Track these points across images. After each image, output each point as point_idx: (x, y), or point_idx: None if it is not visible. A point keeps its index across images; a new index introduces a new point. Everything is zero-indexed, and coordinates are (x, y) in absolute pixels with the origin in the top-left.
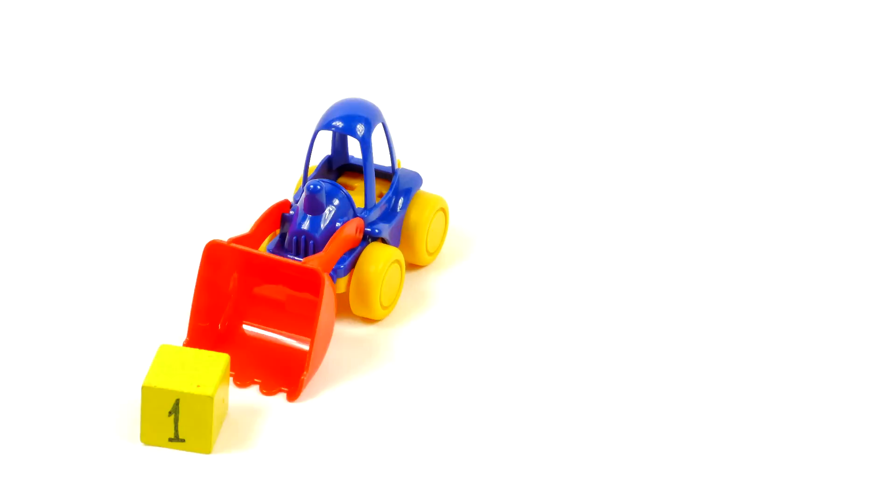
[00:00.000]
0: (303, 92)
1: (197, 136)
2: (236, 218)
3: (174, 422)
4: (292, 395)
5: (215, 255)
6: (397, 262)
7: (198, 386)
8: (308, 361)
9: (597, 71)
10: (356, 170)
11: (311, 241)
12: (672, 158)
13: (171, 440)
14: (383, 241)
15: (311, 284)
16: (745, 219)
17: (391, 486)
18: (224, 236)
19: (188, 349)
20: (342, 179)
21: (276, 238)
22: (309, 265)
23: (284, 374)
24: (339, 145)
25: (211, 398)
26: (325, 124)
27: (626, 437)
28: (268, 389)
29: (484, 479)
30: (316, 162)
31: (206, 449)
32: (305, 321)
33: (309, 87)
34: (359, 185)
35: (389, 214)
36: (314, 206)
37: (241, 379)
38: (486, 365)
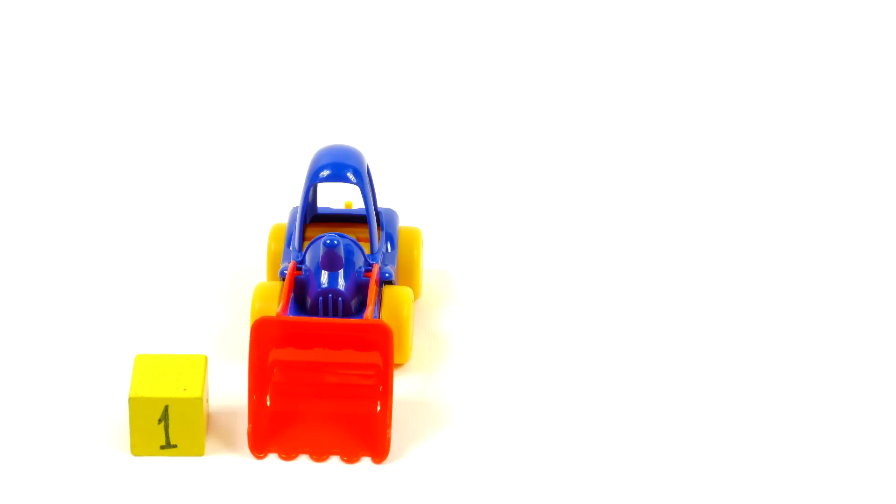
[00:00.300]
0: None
1: (186, 151)
2: (218, 233)
3: (164, 429)
4: (379, 458)
5: (265, 330)
6: (412, 300)
7: (184, 389)
8: (389, 418)
9: (557, 98)
10: (325, 219)
11: (339, 298)
12: (646, 186)
13: (162, 447)
14: (391, 283)
15: (378, 340)
16: (735, 223)
17: (385, 482)
18: (211, 253)
19: (163, 355)
20: (316, 229)
21: (291, 303)
22: (373, 321)
23: (361, 438)
24: (314, 196)
25: (200, 399)
26: (316, 175)
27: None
28: (349, 458)
29: (483, 482)
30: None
31: (199, 451)
32: (361, 377)
33: (278, 123)
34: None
35: (388, 256)
36: (334, 261)
37: (319, 453)
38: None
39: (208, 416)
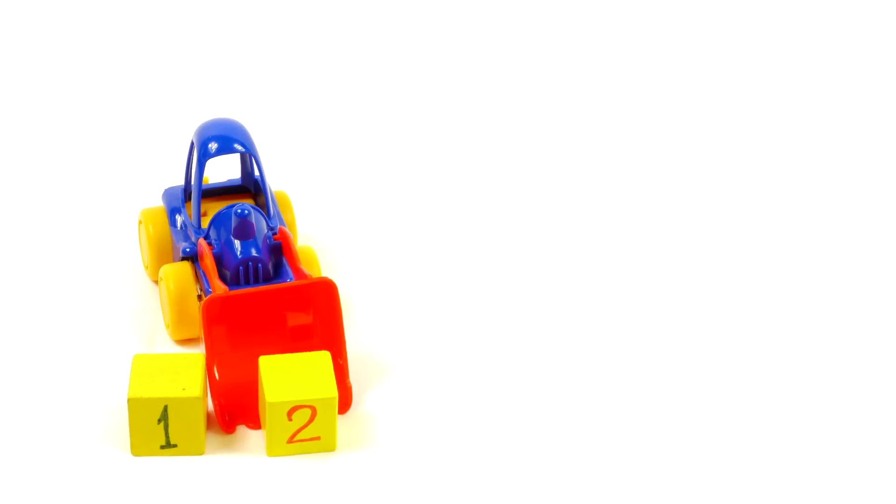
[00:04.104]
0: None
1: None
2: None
3: (164, 428)
4: (345, 407)
5: (216, 307)
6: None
7: (183, 389)
8: (346, 369)
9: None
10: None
11: (259, 265)
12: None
13: (162, 447)
14: None
15: (325, 296)
16: (701, 222)
17: (386, 480)
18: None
19: (161, 355)
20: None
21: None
22: (317, 279)
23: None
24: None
25: (199, 399)
26: (205, 151)
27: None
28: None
29: (478, 482)
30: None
31: (199, 450)
32: (303, 335)
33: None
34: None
35: (279, 217)
36: (247, 230)
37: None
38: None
39: (208, 415)
